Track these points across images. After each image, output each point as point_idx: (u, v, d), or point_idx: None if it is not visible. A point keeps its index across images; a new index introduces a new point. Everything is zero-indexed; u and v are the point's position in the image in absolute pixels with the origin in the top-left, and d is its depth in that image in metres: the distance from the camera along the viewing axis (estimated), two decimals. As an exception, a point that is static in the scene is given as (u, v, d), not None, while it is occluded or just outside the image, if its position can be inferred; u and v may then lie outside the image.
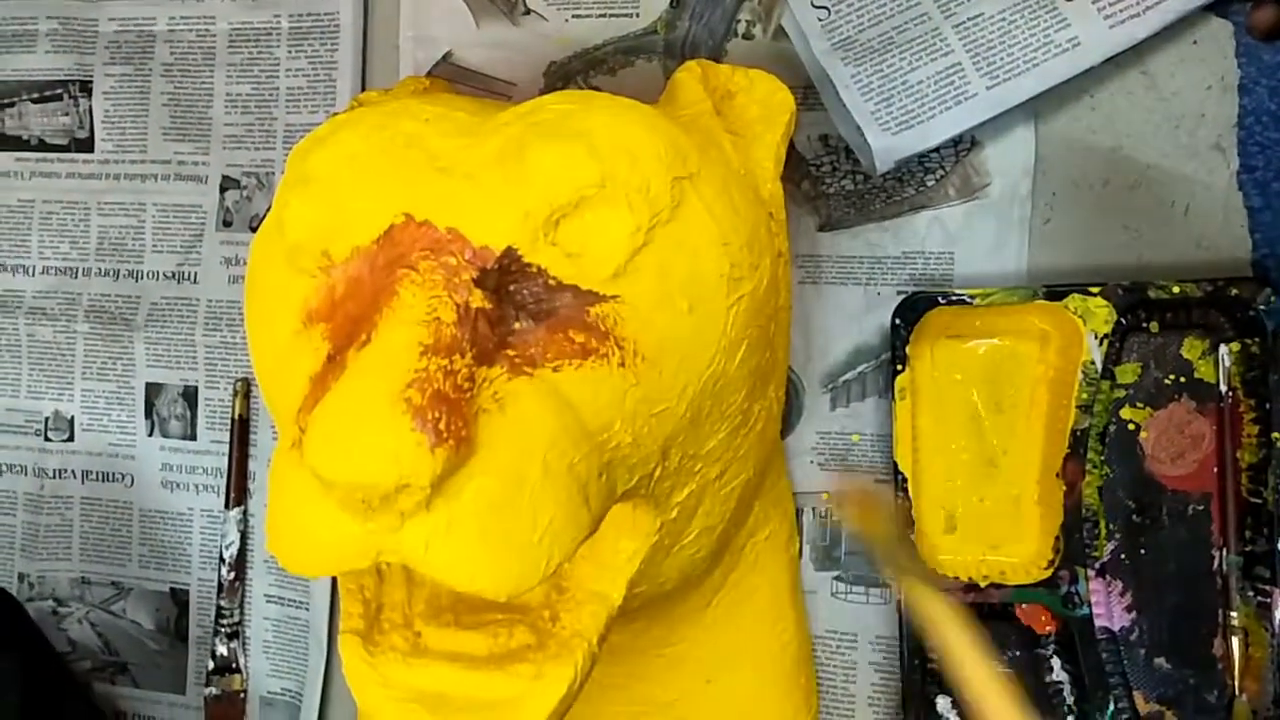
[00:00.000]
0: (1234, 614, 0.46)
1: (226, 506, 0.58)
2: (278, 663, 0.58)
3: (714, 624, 0.46)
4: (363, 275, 0.32)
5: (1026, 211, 0.50)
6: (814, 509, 0.52)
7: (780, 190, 0.40)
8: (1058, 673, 0.47)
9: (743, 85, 0.42)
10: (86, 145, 0.61)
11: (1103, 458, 0.47)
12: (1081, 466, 0.47)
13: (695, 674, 0.47)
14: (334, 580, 0.56)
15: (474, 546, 0.29)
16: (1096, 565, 0.47)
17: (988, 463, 0.49)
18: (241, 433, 0.58)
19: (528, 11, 0.55)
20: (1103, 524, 0.47)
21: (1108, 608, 0.47)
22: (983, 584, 0.48)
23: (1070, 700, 0.47)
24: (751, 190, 0.38)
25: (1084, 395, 0.47)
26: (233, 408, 0.58)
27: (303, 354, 0.33)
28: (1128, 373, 0.47)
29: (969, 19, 0.47)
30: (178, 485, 0.60)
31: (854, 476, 0.51)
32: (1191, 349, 0.47)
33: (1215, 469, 0.47)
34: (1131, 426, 0.47)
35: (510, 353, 0.31)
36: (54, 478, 0.61)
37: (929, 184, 0.51)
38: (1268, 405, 0.45)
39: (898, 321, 0.48)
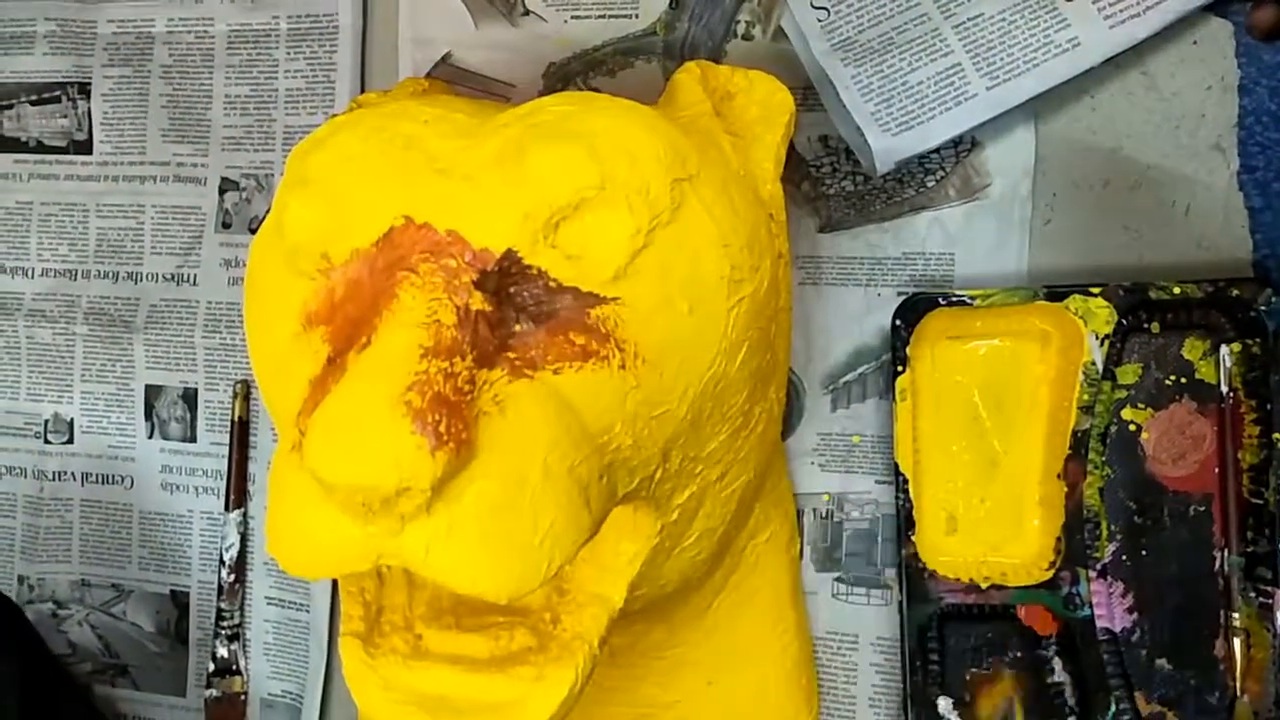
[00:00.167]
0: (1235, 615, 0.45)
1: (226, 509, 0.58)
2: (278, 665, 0.58)
3: (715, 626, 0.46)
4: (362, 277, 0.32)
5: (1027, 212, 0.49)
6: (815, 510, 0.52)
7: (780, 191, 0.40)
8: (1059, 674, 0.47)
9: (742, 86, 0.42)
10: (85, 147, 0.61)
11: (1104, 459, 0.47)
12: (1083, 467, 0.47)
13: (696, 676, 0.47)
14: (334, 582, 0.56)
15: (475, 549, 0.28)
16: (1098, 566, 0.47)
17: (989, 464, 0.48)
18: (241, 435, 0.58)
19: (527, 12, 0.55)
20: (1104, 525, 0.47)
21: (1109, 609, 0.47)
22: (984, 585, 0.48)
23: (1071, 701, 0.47)
24: (751, 191, 0.38)
25: (1085, 396, 0.46)
26: (232, 410, 0.58)
27: (302, 356, 0.33)
28: (1129, 373, 0.47)
29: (969, 19, 0.46)
30: (177, 487, 0.60)
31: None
32: (1192, 350, 0.47)
33: (1216, 470, 0.46)
34: (1133, 427, 0.47)
35: (511, 355, 0.31)
36: (54, 480, 0.61)
37: (929, 185, 0.51)
38: (1269, 406, 0.45)
39: (898, 323, 0.48)
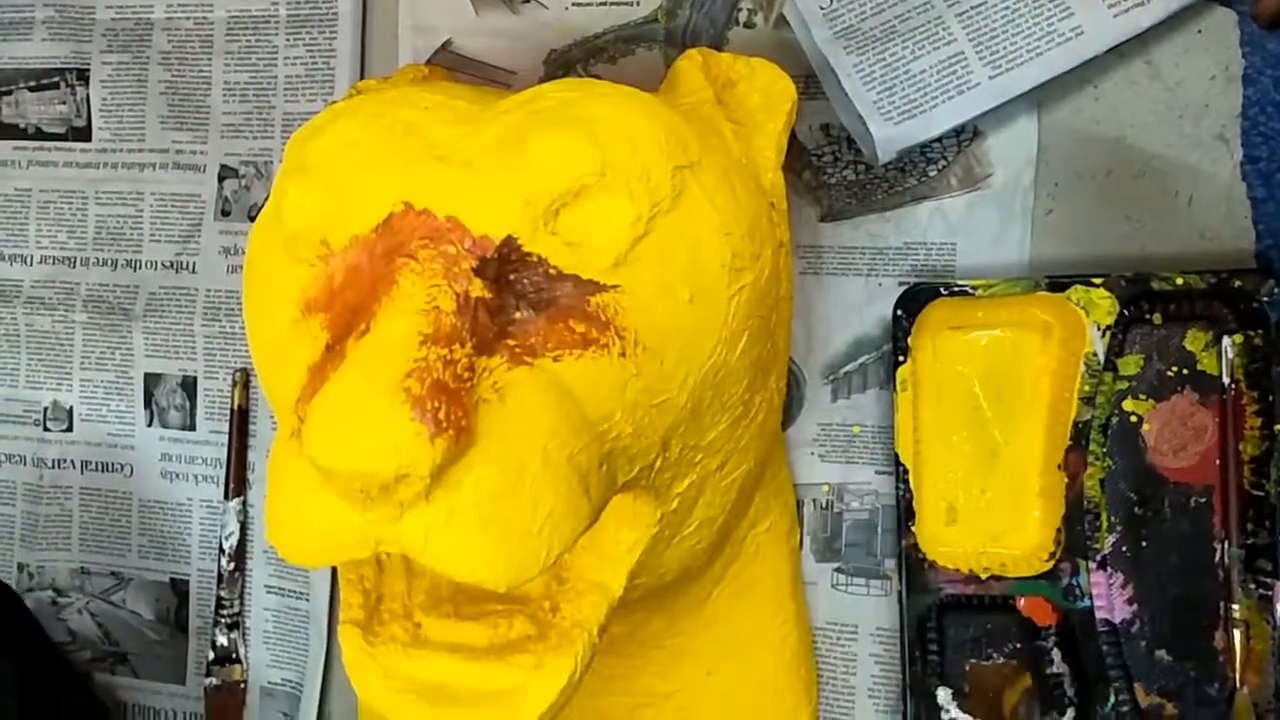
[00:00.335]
0: (1235, 606, 0.45)
1: (226, 497, 0.58)
2: (278, 653, 0.58)
3: (714, 616, 0.46)
4: (361, 264, 0.32)
5: (1029, 202, 0.49)
6: (815, 500, 0.52)
7: (781, 180, 0.40)
8: (1058, 665, 0.47)
9: (744, 74, 0.41)
10: (84, 134, 0.61)
11: (1105, 450, 0.47)
12: (1083, 458, 0.47)
13: (695, 665, 0.47)
14: (334, 570, 0.56)
15: (474, 537, 0.28)
16: (1098, 557, 0.47)
17: (989, 454, 0.48)
18: (240, 423, 0.58)
19: None
20: (1104, 516, 0.47)
21: (1109, 600, 0.47)
22: (983, 576, 0.48)
23: (1071, 692, 0.47)
24: (753, 179, 0.38)
25: (1086, 387, 0.46)
26: (232, 398, 0.58)
27: (301, 343, 0.33)
28: (1130, 364, 0.47)
29: (972, 7, 0.46)
30: (177, 475, 0.60)
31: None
32: (1194, 341, 0.47)
33: (1217, 461, 0.46)
34: (1134, 418, 0.47)
35: (510, 342, 0.30)
36: (53, 468, 0.61)
37: (931, 174, 0.50)
38: (1270, 397, 0.45)
39: (899, 312, 0.48)
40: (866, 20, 0.48)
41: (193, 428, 0.59)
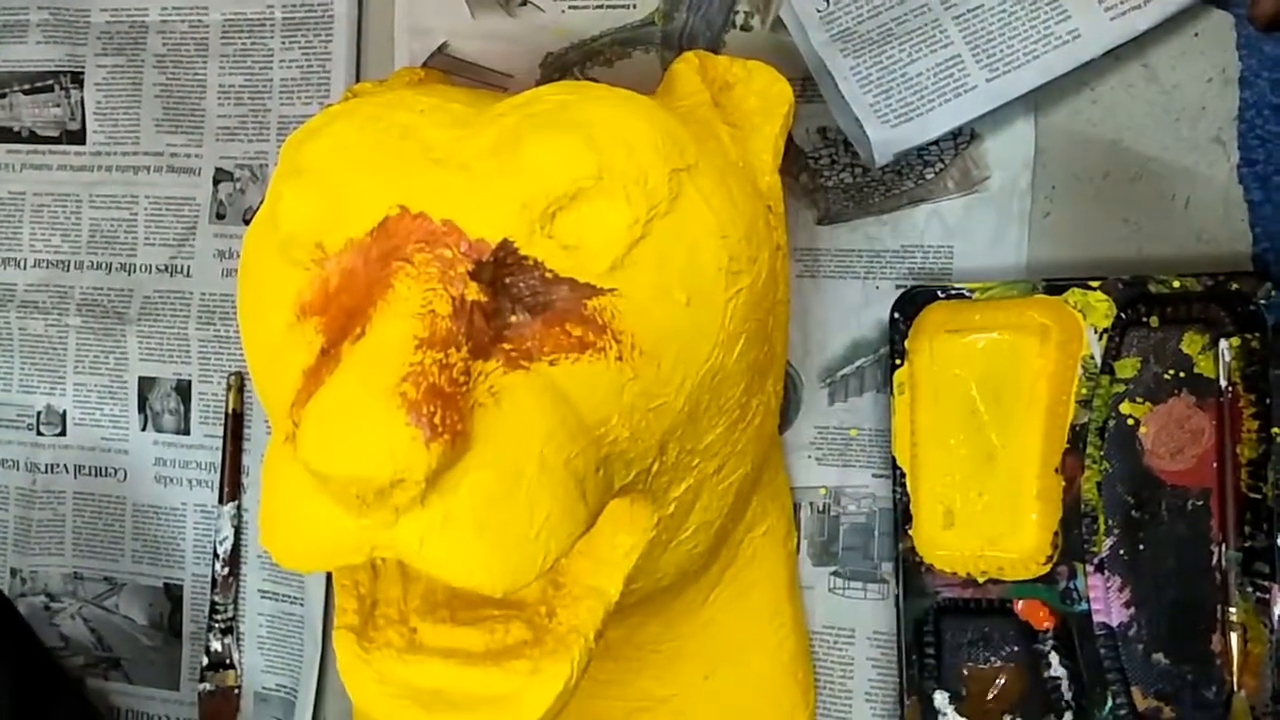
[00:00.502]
0: (1233, 610, 0.45)
1: (220, 501, 0.58)
2: (272, 658, 0.58)
3: (711, 619, 0.46)
4: (357, 267, 0.32)
5: (1026, 205, 0.49)
6: (812, 504, 0.52)
7: (778, 183, 0.40)
8: (1056, 668, 0.47)
9: (741, 77, 0.41)
10: (78, 137, 0.60)
11: (1102, 453, 0.47)
12: (1080, 462, 0.47)
13: (693, 669, 0.47)
14: (329, 576, 0.56)
15: (470, 541, 0.28)
16: (1095, 561, 0.47)
17: (986, 458, 0.48)
18: (235, 427, 0.58)
19: (524, 2, 0.54)
20: (1101, 519, 0.47)
21: (1106, 603, 0.47)
22: (981, 579, 0.48)
23: (1068, 696, 0.47)
24: (750, 182, 0.38)
25: (1083, 390, 0.46)
26: (226, 402, 0.58)
27: (296, 347, 0.33)
28: (1127, 367, 0.47)
29: (969, 10, 0.46)
30: (171, 480, 0.59)
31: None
32: (1191, 344, 0.47)
33: (1215, 464, 0.46)
34: (1131, 421, 0.47)
35: (506, 346, 0.30)
36: (46, 472, 0.61)
37: (928, 177, 0.50)
38: (1268, 400, 0.45)
39: (896, 315, 0.48)
40: (863, 23, 0.48)
41: (187, 432, 0.59)
